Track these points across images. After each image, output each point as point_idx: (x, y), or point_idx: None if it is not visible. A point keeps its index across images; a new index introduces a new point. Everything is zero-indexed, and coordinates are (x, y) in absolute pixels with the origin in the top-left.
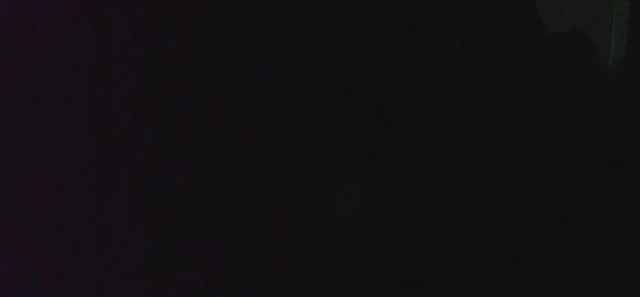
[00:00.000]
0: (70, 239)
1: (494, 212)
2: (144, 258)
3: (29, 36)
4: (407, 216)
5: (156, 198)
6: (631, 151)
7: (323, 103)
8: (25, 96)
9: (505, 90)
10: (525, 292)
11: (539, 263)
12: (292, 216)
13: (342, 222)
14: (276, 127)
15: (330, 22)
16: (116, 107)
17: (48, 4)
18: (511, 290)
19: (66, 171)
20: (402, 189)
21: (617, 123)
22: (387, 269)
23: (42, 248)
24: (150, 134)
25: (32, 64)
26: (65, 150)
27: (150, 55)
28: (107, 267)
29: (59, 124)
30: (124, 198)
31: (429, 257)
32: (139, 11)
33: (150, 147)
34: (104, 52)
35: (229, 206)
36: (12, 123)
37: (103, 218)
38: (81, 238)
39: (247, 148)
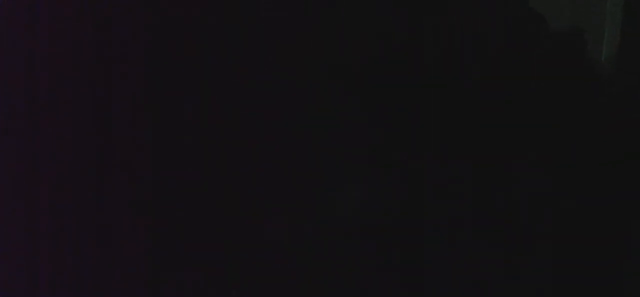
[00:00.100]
0: (70, 239)
1: (494, 212)
2: (144, 258)
3: (29, 36)
4: (407, 216)
5: (156, 198)
6: (627, 147)
7: (323, 103)
8: (25, 96)
9: (502, 89)
10: (525, 293)
11: (538, 263)
12: (292, 216)
13: (342, 222)
14: (276, 127)
15: (330, 21)
16: (116, 107)
17: (48, 4)
18: (511, 290)
19: (66, 171)
20: (402, 189)
21: (611, 119)
22: (387, 269)
23: (42, 248)
24: (151, 134)
25: (32, 64)
26: (65, 150)
27: (151, 55)
28: (107, 267)
29: (59, 124)
30: (124, 198)
31: (429, 258)
32: (139, 11)
33: (151, 147)
34: (104, 52)
35: (229, 206)
36: (12, 123)
37: (103, 218)
38: (81, 238)
39: (247, 148)
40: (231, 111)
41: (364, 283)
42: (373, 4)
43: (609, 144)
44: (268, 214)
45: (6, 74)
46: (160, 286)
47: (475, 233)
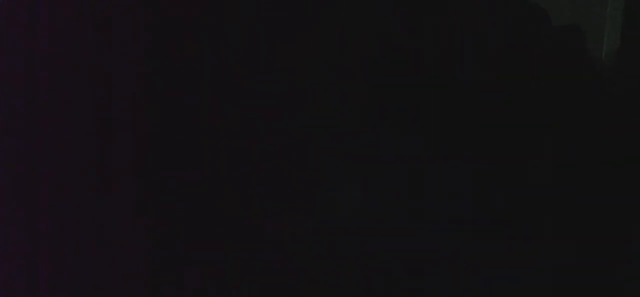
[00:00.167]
0: (70, 239)
1: (494, 211)
2: (144, 258)
3: (29, 36)
4: (407, 216)
5: (156, 198)
6: (627, 147)
7: (323, 103)
8: (25, 96)
9: (501, 88)
10: (525, 293)
11: (537, 263)
12: (292, 216)
13: (341, 222)
14: (276, 127)
15: (331, 21)
16: (116, 107)
17: (48, 4)
18: (511, 290)
19: (66, 171)
20: (402, 189)
21: (611, 118)
22: (386, 269)
23: (42, 248)
24: (151, 134)
25: (32, 64)
26: (65, 150)
27: (151, 55)
28: (107, 267)
29: (59, 124)
30: (124, 198)
31: (428, 257)
32: (139, 11)
33: (151, 147)
34: (104, 52)
35: (229, 206)
36: (12, 123)
37: (103, 218)
38: (81, 238)
39: (247, 148)
40: (232, 111)
41: (364, 283)
42: (373, 4)
43: (608, 144)
44: (268, 214)
45: (6, 74)
46: (160, 286)
47: (475, 233)
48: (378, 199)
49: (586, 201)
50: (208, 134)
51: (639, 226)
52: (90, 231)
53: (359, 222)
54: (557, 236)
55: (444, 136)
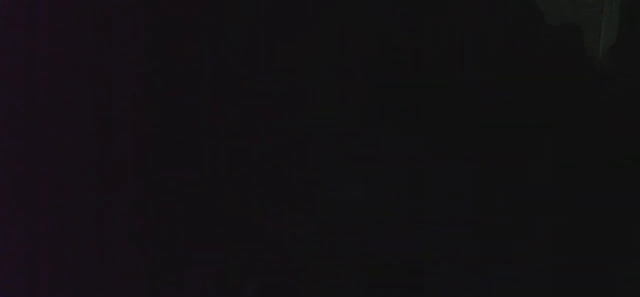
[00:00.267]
0: (70, 239)
1: (493, 211)
2: (144, 258)
3: (29, 36)
4: (406, 216)
5: (156, 198)
6: (623, 145)
7: (322, 103)
8: (25, 96)
9: (500, 87)
10: (525, 293)
11: (534, 261)
12: (292, 216)
13: (341, 222)
14: (276, 127)
15: (331, 21)
16: (116, 107)
17: (48, 4)
18: (510, 291)
19: (66, 171)
20: (401, 188)
21: (609, 117)
22: (387, 269)
23: (42, 248)
24: (151, 134)
25: (32, 64)
26: (65, 150)
27: (151, 55)
28: (107, 267)
29: (59, 124)
30: (124, 198)
31: (428, 257)
32: (139, 11)
33: (151, 147)
34: (104, 52)
35: (229, 206)
36: (12, 123)
37: (103, 218)
38: (81, 238)
39: (247, 148)
40: (231, 111)
41: (363, 283)
42: (373, 4)
43: (606, 142)
44: (268, 214)
45: (6, 74)
46: (160, 286)
47: (473, 232)
48: (378, 198)
49: (584, 198)
50: (208, 134)
51: (633, 224)
52: (90, 231)
53: (359, 222)
54: (555, 236)
55: (443, 135)
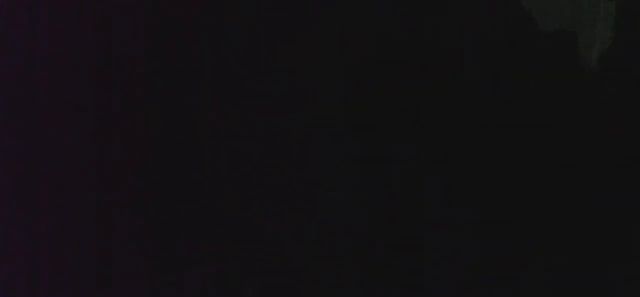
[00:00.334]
0: (70, 239)
1: (492, 211)
2: (144, 258)
3: (29, 36)
4: (406, 216)
5: (156, 198)
6: (619, 145)
7: (322, 103)
8: (25, 96)
9: (496, 89)
10: (524, 293)
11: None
12: (291, 216)
13: (339, 222)
14: (275, 127)
15: (330, 22)
16: (116, 107)
17: (48, 4)
18: (509, 291)
19: (66, 171)
20: (401, 188)
21: (604, 119)
22: (386, 269)
23: (42, 248)
24: (150, 134)
25: (32, 64)
26: (65, 150)
27: (151, 55)
28: (107, 267)
29: (59, 124)
30: (124, 198)
31: (428, 258)
32: (139, 11)
33: (150, 147)
34: (104, 52)
35: (229, 206)
36: (12, 123)
37: (103, 218)
38: (81, 238)
39: (246, 148)
40: (231, 111)
41: (363, 283)
42: (371, 5)
43: (600, 143)
44: (268, 215)
45: (6, 74)
46: (160, 286)
47: (471, 231)
48: (373, 200)
49: (576, 197)
50: (207, 134)
51: (626, 224)
52: (90, 231)
53: (356, 223)
54: (552, 235)
55: (438, 137)
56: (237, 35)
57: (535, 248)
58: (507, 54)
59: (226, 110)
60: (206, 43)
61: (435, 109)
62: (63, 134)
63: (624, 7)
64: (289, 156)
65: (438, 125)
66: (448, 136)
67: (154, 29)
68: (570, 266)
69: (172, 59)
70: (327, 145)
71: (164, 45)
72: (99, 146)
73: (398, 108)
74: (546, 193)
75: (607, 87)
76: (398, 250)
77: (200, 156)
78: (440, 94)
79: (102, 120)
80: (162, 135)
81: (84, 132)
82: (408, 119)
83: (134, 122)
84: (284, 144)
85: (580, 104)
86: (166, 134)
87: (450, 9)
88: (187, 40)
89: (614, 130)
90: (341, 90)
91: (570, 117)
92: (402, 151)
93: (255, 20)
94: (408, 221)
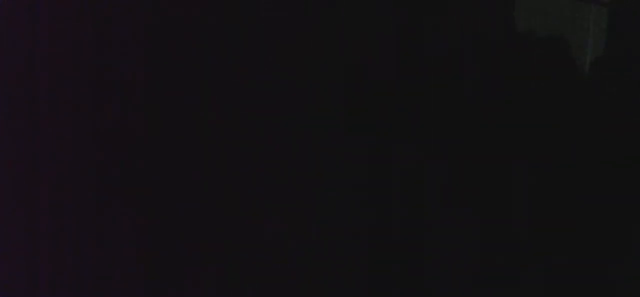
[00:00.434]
0: (70, 239)
1: (490, 211)
2: (144, 258)
3: (29, 36)
4: (406, 216)
5: (156, 198)
6: (608, 152)
7: (322, 103)
8: (25, 96)
9: (488, 93)
10: (523, 293)
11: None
12: (291, 217)
13: (340, 223)
14: (275, 128)
15: (330, 22)
16: (116, 107)
17: (48, 4)
18: (508, 291)
19: (66, 171)
20: (401, 187)
21: (594, 126)
22: (387, 269)
23: (42, 248)
24: (151, 134)
25: (32, 64)
26: (65, 150)
27: (151, 55)
28: (107, 267)
29: (59, 124)
30: (124, 198)
31: (428, 258)
32: (139, 11)
33: (150, 147)
34: (104, 52)
35: (229, 206)
36: (12, 123)
37: (103, 218)
38: (81, 238)
39: (246, 148)
40: (231, 111)
41: (363, 283)
42: (371, 5)
43: (591, 146)
44: (268, 215)
45: (6, 74)
46: (160, 286)
47: (470, 231)
48: (377, 199)
49: (567, 200)
50: (208, 135)
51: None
52: (90, 231)
53: (356, 224)
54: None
55: (436, 137)
56: (237, 35)
57: (535, 248)
58: (498, 57)
59: (226, 111)
60: (206, 43)
61: (431, 110)
62: (63, 134)
63: (615, 11)
64: (289, 156)
65: (435, 125)
66: (445, 137)
67: (154, 29)
68: (569, 266)
69: (173, 59)
70: (328, 146)
71: (164, 45)
72: (99, 146)
73: (397, 108)
74: (544, 192)
75: (600, 90)
76: (398, 250)
77: (200, 155)
78: (434, 96)
79: (102, 120)
80: (163, 135)
81: (84, 132)
82: (407, 119)
83: (134, 122)
84: (284, 144)
85: (573, 107)
86: (166, 134)
87: (441, 12)
88: (187, 40)
89: (607, 132)
90: (341, 90)
91: (563, 120)
92: (402, 151)
93: (255, 21)
94: (407, 220)
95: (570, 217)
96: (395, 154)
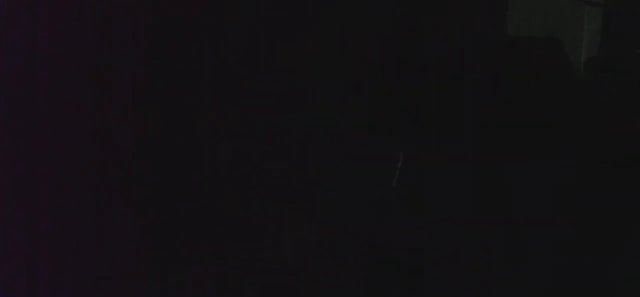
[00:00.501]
0: (70, 239)
1: (488, 211)
2: (144, 258)
3: (29, 36)
4: (405, 214)
5: (156, 198)
6: (601, 149)
7: (323, 103)
8: (25, 96)
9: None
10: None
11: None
12: (292, 217)
13: (340, 222)
14: (276, 128)
15: (330, 22)
16: (116, 107)
17: (48, 4)
18: (507, 291)
19: (66, 171)
20: (400, 187)
21: (588, 124)
22: (387, 269)
23: (42, 248)
24: (150, 134)
25: (32, 64)
26: (65, 150)
27: (150, 55)
28: (107, 267)
29: (59, 124)
30: (124, 198)
31: (428, 258)
32: (139, 11)
33: (150, 147)
34: (104, 52)
35: (229, 206)
36: (12, 123)
37: (103, 218)
38: (81, 238)
39: (246, 148)
40: (231, 111)
41: (364, 284)
42: (370, 5)
43: (586, 146)
44: (268, 215)
45: (6, 74)
46: (160, 285)
47: (470, 231)
48: (373, 200)
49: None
50: (207, 134)
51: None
52: (90, 231)
53: (357, 224)
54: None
55: (434, 137)
56: (237, 35)
57: (534, 247)
58: (493, 57)
59: (226, 110)
60: (206, 43)
61: (428, 109)
62: (63, 134)
63: (609, 12)
64: (289, 156)
65: (433, 125)
66: (443, 137)
67: (154, 29)
68: (569, 266)
69: (172, 59)
70: (327, 146)
71: (164, 45)
72: (99, 146)
73: (396, 108)
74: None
75: (594, 89)
76: (398, 250)
77: (200, 155)
78: (432, 95)
79: (102, 120)
80: (162, 135)
81: (84, 132)
82: (406, 119)
83: (134, 122)
84: (283, 144)
85: (568, 105)
86: (166, 134)
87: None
88: (187, 40)
89: (601, 130)
90: (341, 90)
91: (559, 118)
92: (402, 151)
93: (256, 21)
94: (408, 220)
95: (564, 213)
96: (395, 153)
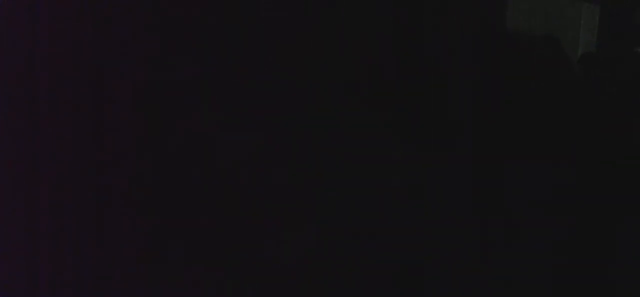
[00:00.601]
0: (70, 239)
1: (487, 210)
2: (144, 258)
3: (29, 36)
4: (405, 213)
5: (156, 198)
6: (598, 147)
7: (323, 103)
8: (25, 96)
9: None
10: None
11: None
12: (294, 217)
13: (341, 222)
14: (277, 128)
15: (330, 22)
16: (116, 107)
17: (48, 4)
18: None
19: (66, 171)
20: (400, 187)
21: (585, 122)
22: (387, 269)
23: (42, 248)
24: (150, 134)
25: (32, 64)
26: (65, 150)
27: (150, 55)
28: (107, 267)
29: (59, 124)
30: (124, 198)
31: (428, 257)
32: (139, 11)
33: (150, 147)
34: (104, 52)
35: (229, 206)
36: (12, 123)
37: (103, 218)
38: (81, 238)
39: (247, 148)
40: (232, 111)
41: (365, 284)
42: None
43: (582, 143)
44: (269, 215)
45: (6, 74)
46: (160, 285)
47: (470, 232)
48: (377, 201)
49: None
50: (208, 135)
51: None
52: (90, 231)
53: (358, 223)
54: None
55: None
56: (237, 35)
57: (534, 247)
58: (493, 57)
59: (226, 111)
60: (206, 43)
61: (427, 109)
62: (63, 134)
63: (606, 11)
64: (289, 156)
65: (433, 125)
66: (441, 136)
67: (154, 29)
68: (569, 266)
69: (172, 59)
70: (327, 146)
71: (164, 45)
72: (99, 146)
73: (396, 108)
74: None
75: (593, 88)
76: (398, 251)
77: (200, 156)
78: (431, 95)
79: (102, 120)
80: (162, 135)
81: (84, 132)
82: (406, 119)
83: (133, 122)
84: (284, 144)
85: (567, 104)
86: (166, 134)
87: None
88: (187, 40)
89: (601, 129)
90: (341, 90)
91: (558, 117)
92: (402, 151)
93: (256, 21)
94: (407, 220)
95: (563, 211)
96: (397, 153)
